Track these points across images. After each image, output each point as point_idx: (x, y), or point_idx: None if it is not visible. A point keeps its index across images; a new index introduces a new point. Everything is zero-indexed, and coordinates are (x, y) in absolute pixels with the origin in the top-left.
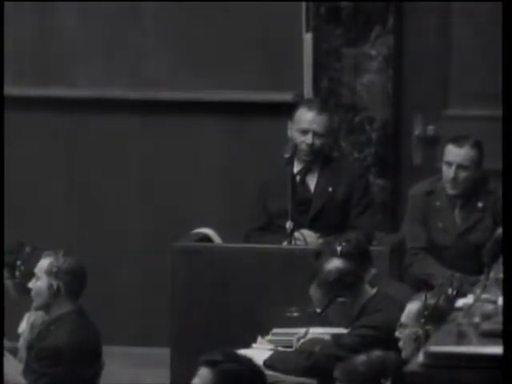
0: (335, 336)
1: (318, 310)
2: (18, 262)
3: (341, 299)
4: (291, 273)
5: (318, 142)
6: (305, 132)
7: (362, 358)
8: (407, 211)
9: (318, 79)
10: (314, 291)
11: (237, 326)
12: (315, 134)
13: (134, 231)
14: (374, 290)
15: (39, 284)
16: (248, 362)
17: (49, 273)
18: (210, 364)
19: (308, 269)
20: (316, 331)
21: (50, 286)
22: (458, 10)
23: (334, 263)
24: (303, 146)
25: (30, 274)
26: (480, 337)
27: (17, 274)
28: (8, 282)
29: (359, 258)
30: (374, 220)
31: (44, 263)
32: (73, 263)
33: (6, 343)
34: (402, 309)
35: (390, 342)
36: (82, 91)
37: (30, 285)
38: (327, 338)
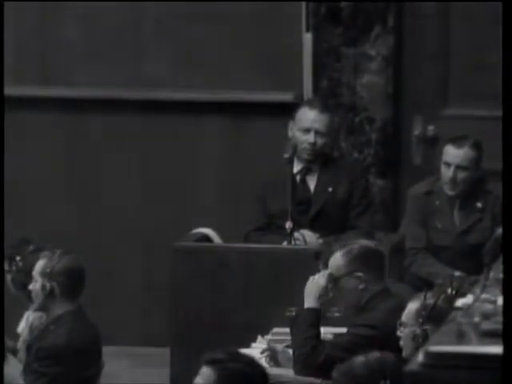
0: (336, 335)
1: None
2: (18, 258)
3: (358, 274)
4: (291, 273)
5: (320, 140)
6: (307, 131)
7: (359, 359)
8: (406, 211)
9: (317, 79)
10: (337, 259)
11: (237, 326)
12: (317, 133)
13: (134, 231)
14: (383, 286)
15: (36, 286)
16: (250, 361)
17: (43, 274)
18: (213, 363)
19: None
20: None
21: (44, 287)
22: (458, 10)
23: (369, 242)
24: (305, 145)
25: (27, 272)
26: (479, 336)
27: (13, 268)
28: (7, 276)
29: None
30: (373, 220)
31: (40, 264)
32: (67, 263)
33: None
34: (402, 308)
35: (390, 342)
36: (82, 91)
37: (30, 287)
38: (329, 337)
